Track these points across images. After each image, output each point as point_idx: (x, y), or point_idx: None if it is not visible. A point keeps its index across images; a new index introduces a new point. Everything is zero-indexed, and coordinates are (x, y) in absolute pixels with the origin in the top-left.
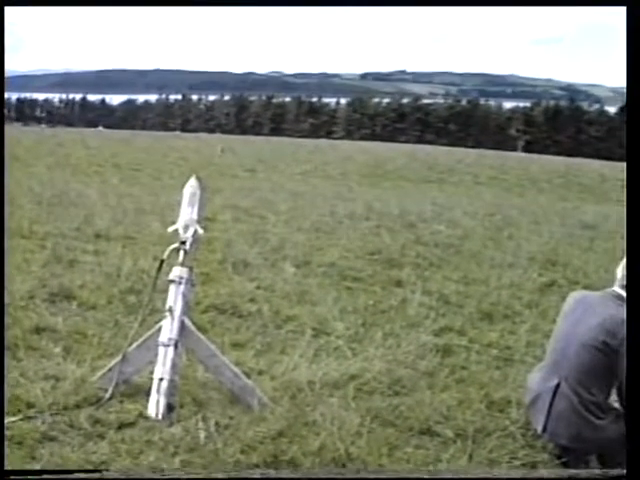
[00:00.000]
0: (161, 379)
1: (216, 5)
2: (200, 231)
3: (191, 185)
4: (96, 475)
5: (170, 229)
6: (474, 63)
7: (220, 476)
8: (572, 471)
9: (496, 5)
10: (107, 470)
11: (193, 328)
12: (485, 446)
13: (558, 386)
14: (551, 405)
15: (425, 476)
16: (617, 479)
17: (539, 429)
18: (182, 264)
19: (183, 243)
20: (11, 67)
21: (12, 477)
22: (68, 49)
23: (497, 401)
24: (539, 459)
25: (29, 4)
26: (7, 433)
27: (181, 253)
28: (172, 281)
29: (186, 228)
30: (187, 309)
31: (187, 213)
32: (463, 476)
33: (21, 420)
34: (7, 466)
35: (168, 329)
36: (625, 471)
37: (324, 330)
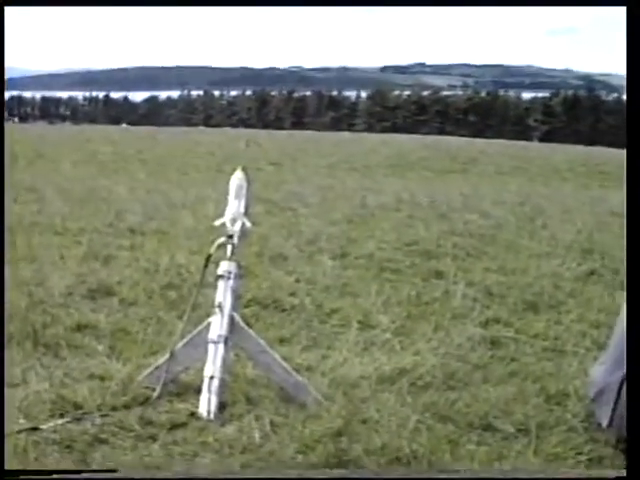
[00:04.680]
0: (212, 377)
1: (218, 5)
2: (248, 224)
3: (238, 177)
4: (106, 475)
5: (217, 222)
6: (491, 55)
7: (221, 476)
8: (572, 471)
9: (496, 5)
10: (116, 470)
11: (243, 324)
12: (549, 441)
13: (624, 379)
14: (617, 399)
15: (427, 476)
16: None
17: (604, 423)
18: (230, 258)
19: (230, 237)
20: (36, 67)
21: (22, 477)
22: (90, 48)
23: (554, 394)
24: (604, 454)
25: (29, 4)
26: (56, 437)
27: (229, 247)
28: (221, 276)
29: (233, 221)
30: (236, 305)
31: (234, 206)
32: (463, 476)
33: (69, 422)
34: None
35: (218, 325)
36: (625, 472)
37: (369, 323)
